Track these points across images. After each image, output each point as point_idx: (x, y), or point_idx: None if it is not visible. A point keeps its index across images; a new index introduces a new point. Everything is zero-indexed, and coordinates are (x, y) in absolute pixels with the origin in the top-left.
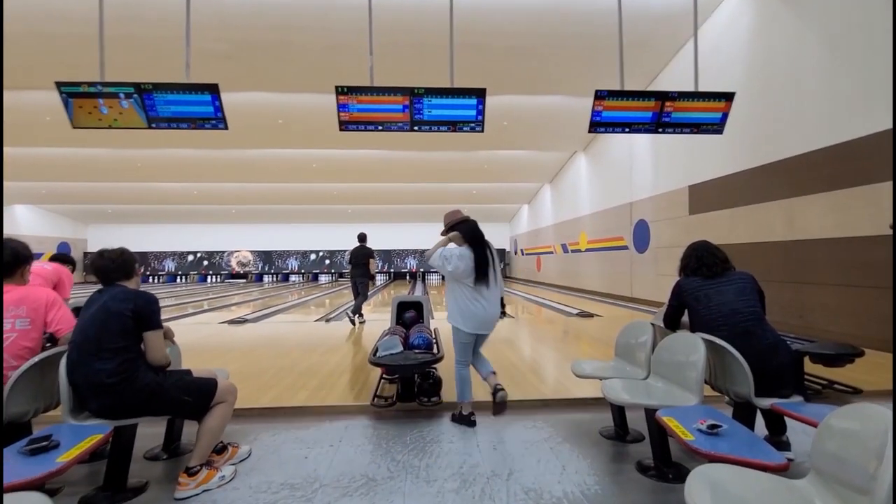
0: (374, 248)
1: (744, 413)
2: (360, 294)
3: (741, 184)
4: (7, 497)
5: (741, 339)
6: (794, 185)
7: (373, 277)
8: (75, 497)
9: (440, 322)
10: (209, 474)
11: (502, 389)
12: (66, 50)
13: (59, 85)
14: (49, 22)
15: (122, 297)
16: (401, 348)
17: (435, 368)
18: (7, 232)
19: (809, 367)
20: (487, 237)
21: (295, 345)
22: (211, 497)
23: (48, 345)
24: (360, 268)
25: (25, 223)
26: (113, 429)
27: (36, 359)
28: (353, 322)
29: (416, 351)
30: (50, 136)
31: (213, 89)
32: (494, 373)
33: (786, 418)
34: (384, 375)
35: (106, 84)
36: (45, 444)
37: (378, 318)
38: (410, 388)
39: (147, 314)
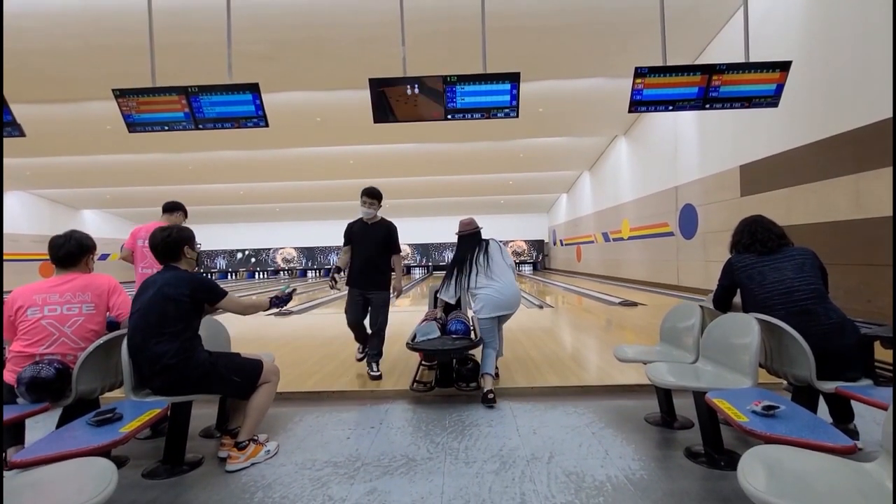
0: (412, 242)
1: (804, 398)
2: (376, 323)
3: (800, 160)
4: (77, 461)
5: (799, 318)
6: (861, 159)
7: (397, 290)
8: (139, 469)
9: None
10: (256, 449)
11: (486, 398)
12: (120, 61)
13: (115, 92)
14: (104, 36)
15: (175, 282)
16: (438, 333)
17: (473, 354)
18: None
19: (880, 353)
20: (522, 228)
21: (336, 335)
22: (259, 472)
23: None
24: (372, 270)
25: (93, 226)
26: (170, 405)
27: (101, 341)
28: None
29: (454, 336)
30: (111, 143)
31: (253, 88)
32: (491, 376)
33: (853, 406)
34: (423, 361)
35: (157, 90)
36: (109, 416)
37: (416, 308)
38: (449, 373)
39: (207, 292)
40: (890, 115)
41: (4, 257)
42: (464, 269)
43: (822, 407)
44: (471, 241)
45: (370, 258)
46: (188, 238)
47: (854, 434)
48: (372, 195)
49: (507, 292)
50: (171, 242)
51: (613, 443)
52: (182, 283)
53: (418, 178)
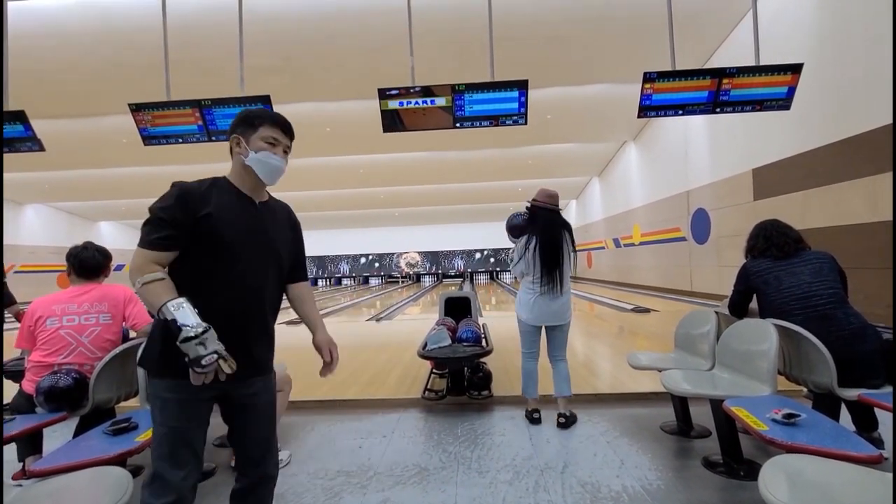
0: (421, 249)
1: (826, 406)
2: (259, 462)
3: (814, 163)
4: (94, 470)
5: (818, 323)
6: (878, 161)
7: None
8: None
9: (487, 318)
10: None
11: (564, 420)
12: (135, 76)
13: (131, 106)
14: (121, 53)
15: None
16: (449, 341)
17: (485, 362)
18: None
19: None
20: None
21: (347, 343)
22: None
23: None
24: (261, 322)
25: (109, 238)
26: None
27: (117, 350)
28: None
29: (465, 344)
30: (127, 156)
31: (265, 100)
32: (568, 398)
33: (878, 414)
34: (434, 370)
35: (171, 103)
36: (125, 425)
37: (427, 317)
38: (460, 381)
39: None
40: None
41: (24, 269)
42: (539, 260)
43: (845, 415)
44: (555, 223)
45: (259, 292)
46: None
47: (879, 443)
48: (285, 127)
49: (559, 304)
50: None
51: (629, 452)
52: None
53: (428, 187)
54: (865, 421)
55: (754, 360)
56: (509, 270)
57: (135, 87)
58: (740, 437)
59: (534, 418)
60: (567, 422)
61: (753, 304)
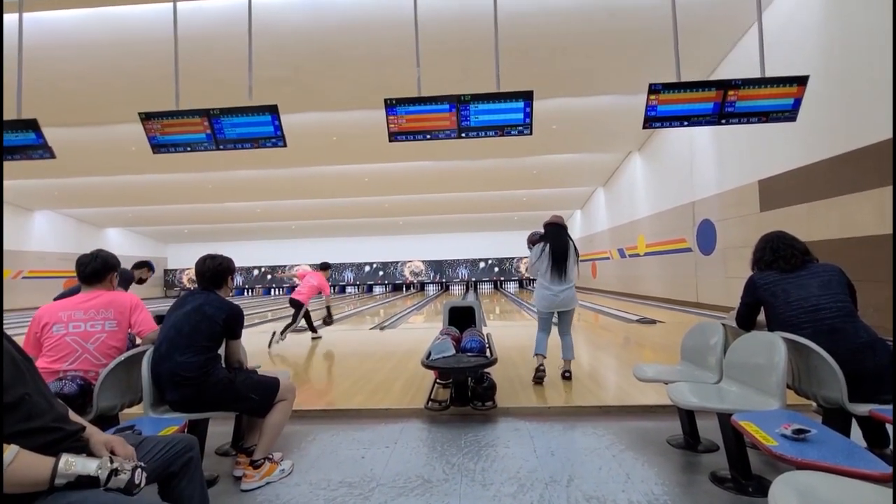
0: (426, 259)
1: (836, 421)
2: None
3: (821, 175)
4: None
5: (828, 337)
6: (886, 172)
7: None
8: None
9: (492, 328)
10: (271, 467)
11: (567, 374)
12: (146, 86)
13: (141, 115)
14: (133, 63)
15: (217, 304)
16: (453, 351)
17: (489, 373)
18: None
19: None
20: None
21: (351, 352)
22: (274, 491)
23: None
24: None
25: (116, 244)
26: (187, 421)
27: (121, 357)
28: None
29: (469, 354)
30: (135, 164)
31: (272, 110)
32: (570, 360)
33: (889, 429)
34: (438, 380)
35: (180, 112)
36: (128, 432)
37: (431, 325)
38: (464, 392)
39: (234, 326)
40: None
41: (31, 274)
42: (550, 261)
43: (855, 431)
44: (562, 235)
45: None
46: (233, 270)
47: (891, 460)
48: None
49: (565, 295)
50: (220, 271)
51: (635, 466)
52: (222, 308)
53: (432, 196)
54: (877, 437)
55: (763, 373)
56: (515, 280)
57: (145, 97)
58: (749, 452)
59: (539, 377)
60: (570, 376)
61: (761, 317)
